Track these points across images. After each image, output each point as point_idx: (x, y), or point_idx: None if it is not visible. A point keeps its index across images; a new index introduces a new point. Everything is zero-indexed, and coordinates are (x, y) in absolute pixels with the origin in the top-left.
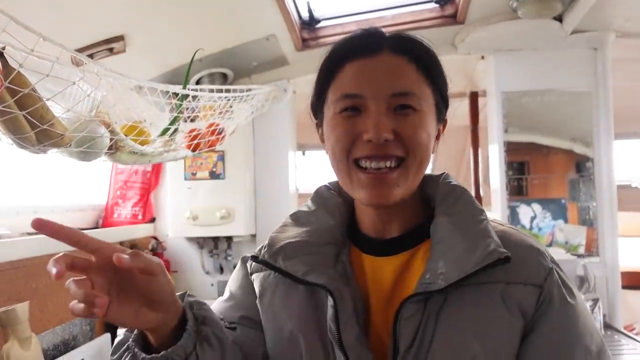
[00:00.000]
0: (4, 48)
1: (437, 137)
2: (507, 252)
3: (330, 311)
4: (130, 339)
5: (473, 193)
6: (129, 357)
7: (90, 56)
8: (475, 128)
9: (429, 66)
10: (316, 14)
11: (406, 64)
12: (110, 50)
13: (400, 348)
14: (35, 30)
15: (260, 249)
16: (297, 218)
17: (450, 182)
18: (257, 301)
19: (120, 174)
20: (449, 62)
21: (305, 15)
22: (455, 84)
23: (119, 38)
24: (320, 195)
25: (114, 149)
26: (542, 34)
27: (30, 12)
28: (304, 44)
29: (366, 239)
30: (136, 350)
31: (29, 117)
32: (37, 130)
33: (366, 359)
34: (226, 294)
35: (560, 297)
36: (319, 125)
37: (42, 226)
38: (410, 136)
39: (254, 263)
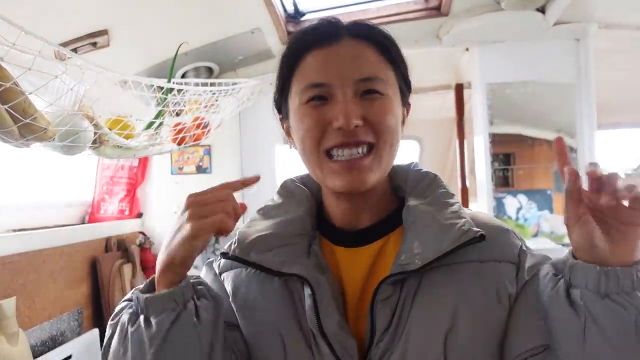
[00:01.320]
0: None
1: (402, 122)
2: (482, 230)
3: (308, 301)
4: (133, 290)
5: (459, 185)
6: (129, 310)
7: (74, 50)
8: (460, 120)
9: (389, 50)
10: (301, 7)
11: (368, 49)
12: (94, 44)
13: (377, 330)
14: (17, 24)
15: (230, 245)
16: (265, 212)
17: (421, 169)
18: (230, 300)
19: (106, 169)
20: (433, 55)
21: (290, 8)
22: (440, 76)
23: (103, 32)
24: (286, 188)
25: (98, 143)
26: (525, 25)
27: (11, 6)
28: (290, 37)
29: (337, 231)
30: (139, 295)
31: (11, 111)
32: (20, 124)
33: (350, 345)
34: None
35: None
36: (284, 119)
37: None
38: (379, 121)
39: (222, 262)
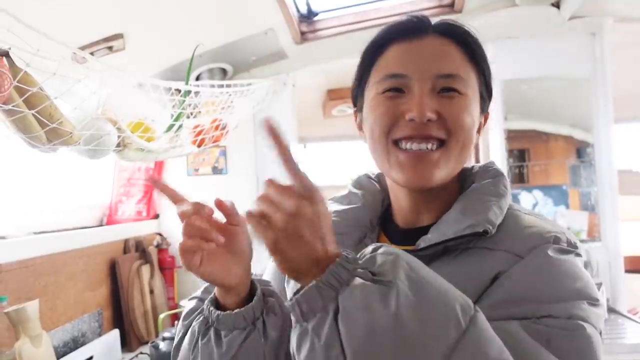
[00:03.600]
0: (9, 49)
1: (479, 130)
2: (490, 228)
3: None
4: (206, 301)
5: None
6: (200, 318)
7: (91, 55)
8: None
9: (475, 52)
10: (314, 7)
11: (452, 47)
12: (110, 48)
13: None
14: (39, 30)
15: None
16: (331, 201)
17: (490, 167)
18: (285, 284)
19: (123, 171)
20: None
21: (303, 8)
22: None
23: (118, 36)
24: (358, 181)
25: (121, 147)
26: (540, 20)
27: (27, 12)
28: (303, 37)
29: (395, 229)
30: (211, 308)
31: (38, 116)
32: (47, 129)
33: None
34: None
35: (536, 257)
36: (358, 111)
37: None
38: (454, 118)
39: None
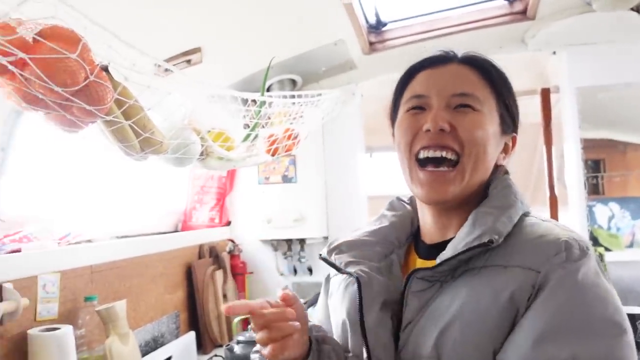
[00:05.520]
0: (109, 63)
1: (506, 151)
2: (496, 237)
3: (356, 296)
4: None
5: (548, 194)
6: None
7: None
8: (547, 126)
9: (494, 78)
10: (383, 18)
11: (472, 72)
12: (189, 61)
13: (404, 319)
14: (134, 45)
15: (328, 245)
16: (366, 224)
17: (503, 179)
18: (327, 301)
19: (197, 179)
20: (517, 59)
21: (372, 19)
22: (524, 80)
23: (197, 50)
24: (391, 204)
25: (204, 155)
26: (618, 26)
27: (113, 28)
28: (371, 47)
29: (423, 245)
30: None
31: (134, 126)
32: (141, 138)
33: (383, 337)
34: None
35: (561, 279)
36: (394, 132)
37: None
38: (467, 131)
39: (331, 269)
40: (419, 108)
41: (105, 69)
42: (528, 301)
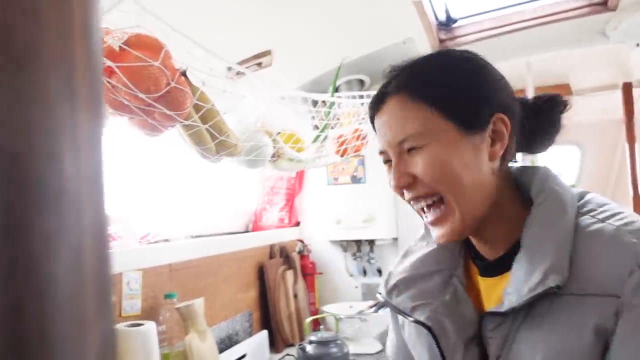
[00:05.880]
0: (187, 68)
1: (495, 139)
2: (561, 279)
3: (434, 349)
4: None
5: (631, 193)
6: None
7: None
8: (630, 122)
9: (423, 89)
10: (453, 14)
11: (404, 102)
12: (259, 64)
13: (490, 355)
14: (212, 50)
15: (385, 283)
16: (411, 246)
17: (541, 185)
18: (400, 330)
19: (267, 180)
20: (597, 52)
21: (441, 16)
22: (604, 75)
23: (267, 53)
24: None
25: (275, 157)
26: None
27: (193, 33)
28: (441, 44)
29: (480, 262)
30: None
31: (211, 130)
32: (216, 141)
33: None
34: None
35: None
36: None
37: None
38: (424, 174)
39: None
40: (388, 161)
41: (184, 74)
42: (615, 322)
